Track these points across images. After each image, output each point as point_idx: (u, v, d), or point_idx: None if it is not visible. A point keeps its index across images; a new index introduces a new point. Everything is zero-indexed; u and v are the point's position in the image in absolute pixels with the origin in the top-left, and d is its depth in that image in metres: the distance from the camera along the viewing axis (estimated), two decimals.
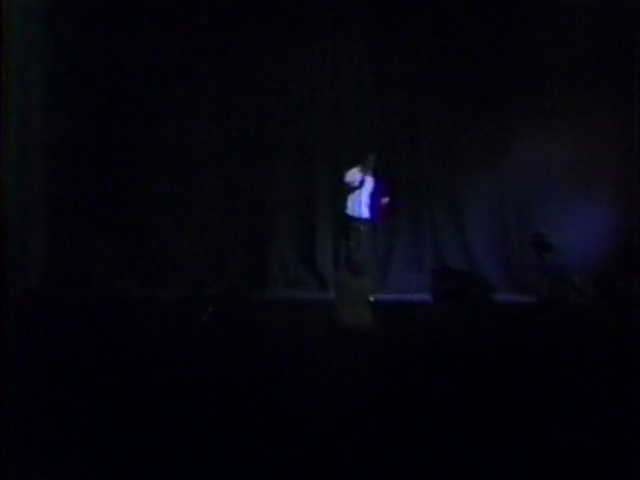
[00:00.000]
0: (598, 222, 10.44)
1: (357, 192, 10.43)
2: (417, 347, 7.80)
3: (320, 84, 11.11)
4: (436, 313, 9.75)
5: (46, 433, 5.02)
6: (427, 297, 10.72)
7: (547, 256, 9.73)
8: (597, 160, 10.75)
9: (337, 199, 11.01)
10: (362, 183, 10.37)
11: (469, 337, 8.10)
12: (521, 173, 11.20)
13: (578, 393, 6.09)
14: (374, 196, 10.51)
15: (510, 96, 10.68)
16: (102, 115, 8.96)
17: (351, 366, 6.90)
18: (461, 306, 10.02)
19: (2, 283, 5.18)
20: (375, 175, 10.53)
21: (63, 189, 9.26)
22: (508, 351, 7.60)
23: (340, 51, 10.86)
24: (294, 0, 9.91)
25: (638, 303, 9.12)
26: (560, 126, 10.76)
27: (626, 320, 7.96)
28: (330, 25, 10.59)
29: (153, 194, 10.65)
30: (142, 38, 9.25)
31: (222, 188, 11.10)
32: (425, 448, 5.29)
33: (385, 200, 10.43)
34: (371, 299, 9.05)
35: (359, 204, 10.48)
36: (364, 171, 10.41)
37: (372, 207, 10.55)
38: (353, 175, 10.33)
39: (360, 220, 10.49)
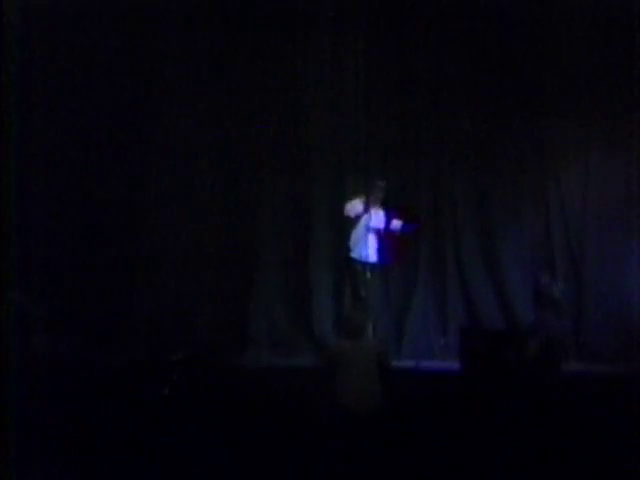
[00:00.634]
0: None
1: (363, 228, 8.87)
2: (439, 430, 6.98)
3: (321, 105, 9.88)
4: (465, 385, 8.19)
5: None
6: (453, 364, 8.95)
7: (550, 310, 8.22)
8: None
9: (338, 238, 9.56)
10: (369, 217, 8.87)
11: (509, 418, 7.06)
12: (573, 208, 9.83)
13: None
14: (384, 234, 9.00)
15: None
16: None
17: (353, 453, 6.36)
18: (499, 376, 8.25)
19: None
20: (385, 207, 9.01)
21: None
22: (562, 439, 6.73)
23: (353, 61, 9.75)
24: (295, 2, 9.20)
25: None
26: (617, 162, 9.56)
27: None
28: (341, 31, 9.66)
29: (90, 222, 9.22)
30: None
31: (191, 218, 9.68)
32: None
33: (397, 225, 8.76)
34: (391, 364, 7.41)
35: (365, 244, 8.88)
36: (372, 202, 8.86)
37: (381, 247, 8.96)
38: (356, 207, 8.84)
39: (367, 264, 8.95)
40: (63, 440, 6.31)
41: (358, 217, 8.88)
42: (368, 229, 8.88)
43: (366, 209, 8.78)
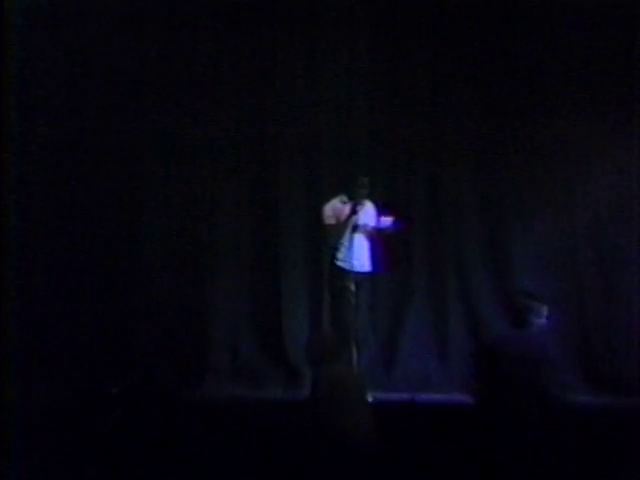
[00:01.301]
0: None
1: (348, 230, 7.52)
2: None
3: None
4: (473, 419, 6.65)
5: None
6: (457, 397, 7.76)
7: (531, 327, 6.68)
8: None
9: (315, 243, 8.49)
10: (355, 218, 7.51)
11: (530, 458, 5.91)
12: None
13: None
14: (374, 234, 7.65)
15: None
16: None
17: None
18: (516, 409, 6.51)
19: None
20: (376, 205, 7.73)
21: None
22: None
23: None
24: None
25: None
26: None
27: None
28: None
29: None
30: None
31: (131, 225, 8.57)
32: None
33: (387, 221, 7.51)
34: (368, 399, 6.30)
35: (351, 248, 7.50)
36: (356, 200, 7.51)
37: (373, 252, 7.64)
38: (335, 208, 7.57)
39: (352, 274, 7.52)
40: None
41: (339, 218, 7.57)
42: (355, 229, 7.53)
43: (352, 208, 7.48)
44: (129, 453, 6.17)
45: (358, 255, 7.53)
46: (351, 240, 7.45)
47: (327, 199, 7.68)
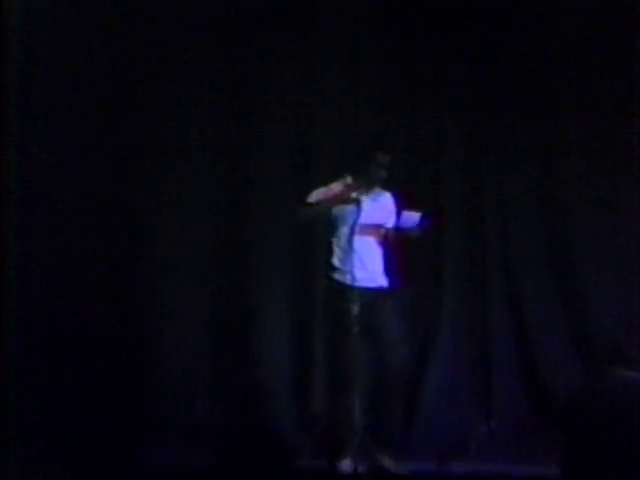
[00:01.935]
0: None
1: (349, 230, 5.53)
2: None
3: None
4: None
5: None
6: (500, 465, 5.88)
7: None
8: None
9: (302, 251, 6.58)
10: (359, 210, 5.48)
11: None
12: None
13: None
14: (391, 235, 5.69)
15: None
16: None
17: None
18: None
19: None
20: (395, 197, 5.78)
21: None
22: None
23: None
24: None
25: None
26: None
27: None
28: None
29: None
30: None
31: None
32: None
33: (412, 218, 5.56)
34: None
35: (353, 256, 5.50)
36: (364, 185, 5.54)
37: (387, 259, 5.67)
38: (334, 192, 5.56)
39: (357, 291, 5.44)
40: None
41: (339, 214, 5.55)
42: (362, 230, 5.53)
43: (351, 187, 5.55)
44: None
45: (364, 263, 5.51)
46: (354, 244, 5.43)
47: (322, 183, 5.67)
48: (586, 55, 6.79)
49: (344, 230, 5.41)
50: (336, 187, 5.43)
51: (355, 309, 5.24)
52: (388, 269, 5.54)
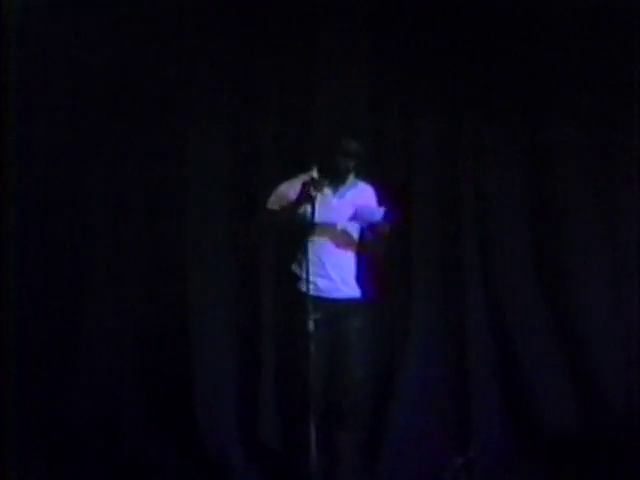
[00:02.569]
0: None
1: (313, 230, 4.94)
2: None
3: None
4: None
5: None
6: None
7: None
8: None
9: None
10: (326, 206, 4.95)
11: None
12: None
13: None
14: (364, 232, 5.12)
15: None
16: None
17: None
18: None
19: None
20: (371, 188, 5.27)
21: None
22: None
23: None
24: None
25: None
26: None
27: None
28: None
29: None
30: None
31: None
32: None
33: (376, 212, 4.98)
34: None
35: (310, 258, 4.87)
36: (325, 177, 4.97)
37: (359, 264, 5.10)
38: (294, 189, 5.02)
39: (314, 302, 4.84)
40: None
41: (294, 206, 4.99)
42: (324, 231, 4.98)
43: (309, 185, 4.93)
44: None
45: (326, 270, 4.94)
46: (321, 246, 4.90)
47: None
48: (572, 52, 6.60)
49: (303, 232, 4.81)
50: (298, 183, 4.87)
51: (312, 323, 4.65)
52: (360, 277, 5.00)
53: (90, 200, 6.89)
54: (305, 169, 5.07)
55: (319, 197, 4.76)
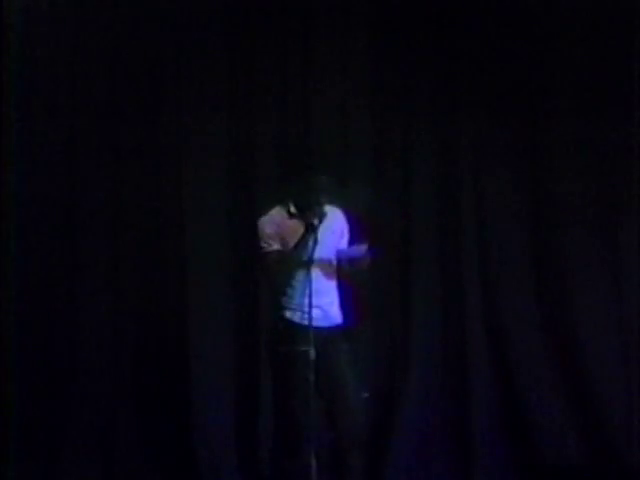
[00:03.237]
0: None
1: (300, 260, 5.00)
2: None
3: None
4: None
5: None
6: None
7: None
8: None
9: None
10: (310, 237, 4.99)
11: None
12: None
13: None
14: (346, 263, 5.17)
15: None
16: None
17: None
18: None
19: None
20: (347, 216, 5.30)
21: None
22: None
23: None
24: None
25: None
26: None
27: None
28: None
29: None
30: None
31: None
32: None
33: (359, 250, 5.06)
34: None
35: (305, 291, 4.94)
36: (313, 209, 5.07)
37: (342, 293, 5.12)
38: (280, 224, 5.11)
39: (310, 332, 4.86)
40: None
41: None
42: (310, 260, 4.93)
43: (307, 223, 5.00)
44: None
45: (320, 299, 4.92)
46: (308, 275, 4.85)
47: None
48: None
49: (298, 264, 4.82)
50: (280, 218, 4.90)
51: (312, 353, 4.62)
52: (343, 304, 5.07)
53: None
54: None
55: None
